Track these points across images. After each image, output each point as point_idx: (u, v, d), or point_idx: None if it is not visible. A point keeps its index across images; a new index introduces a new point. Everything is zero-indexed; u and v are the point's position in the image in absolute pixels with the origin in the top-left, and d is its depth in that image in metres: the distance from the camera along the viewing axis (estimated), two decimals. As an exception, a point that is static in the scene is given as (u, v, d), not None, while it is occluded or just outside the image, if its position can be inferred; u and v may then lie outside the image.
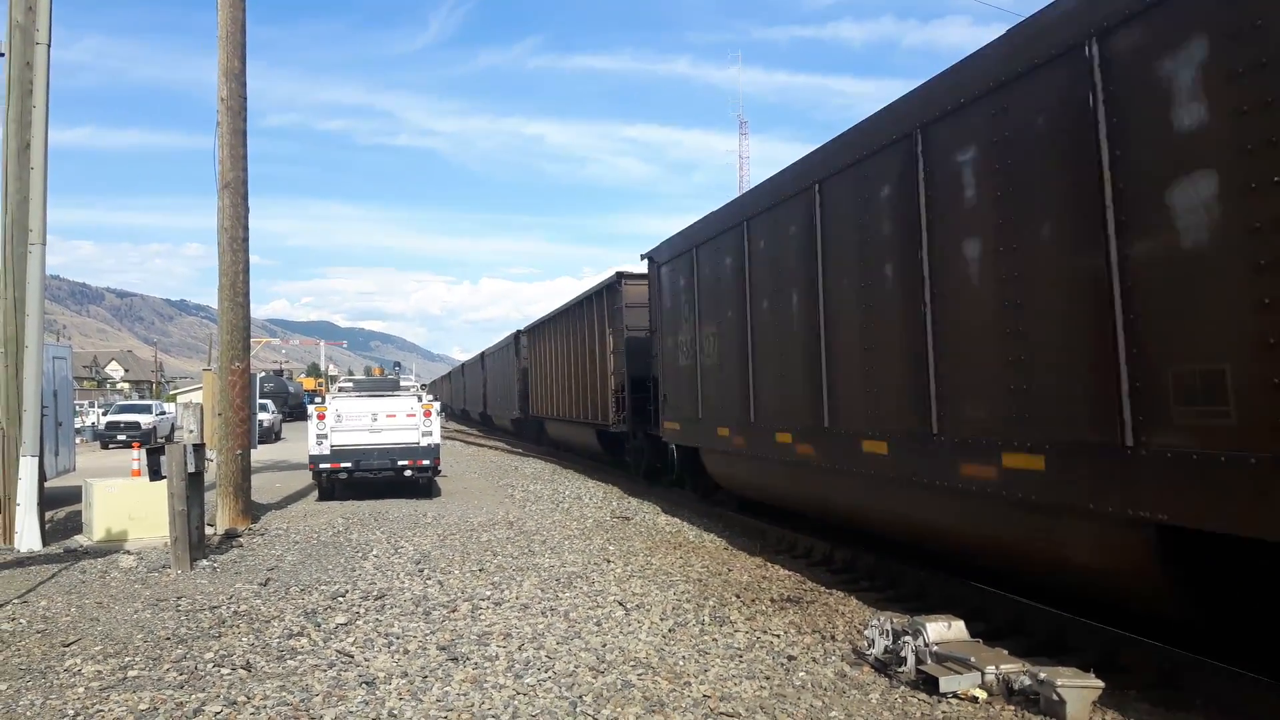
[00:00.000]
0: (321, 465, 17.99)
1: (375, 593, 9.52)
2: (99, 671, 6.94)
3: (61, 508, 16.30)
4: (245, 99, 14.63)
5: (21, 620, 8.65)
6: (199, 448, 11.81)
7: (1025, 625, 7.80)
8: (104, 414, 45.70)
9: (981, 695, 6.13)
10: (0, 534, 12.94)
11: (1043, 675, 5.92)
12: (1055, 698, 5.77)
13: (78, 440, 25.37)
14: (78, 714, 6.02)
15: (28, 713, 6.09)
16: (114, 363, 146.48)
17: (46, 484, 13.69)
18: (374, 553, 12.00)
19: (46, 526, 13.16)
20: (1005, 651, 6.70)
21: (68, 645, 7.71)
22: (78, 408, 39.44)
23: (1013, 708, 5.96)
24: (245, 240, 14.69)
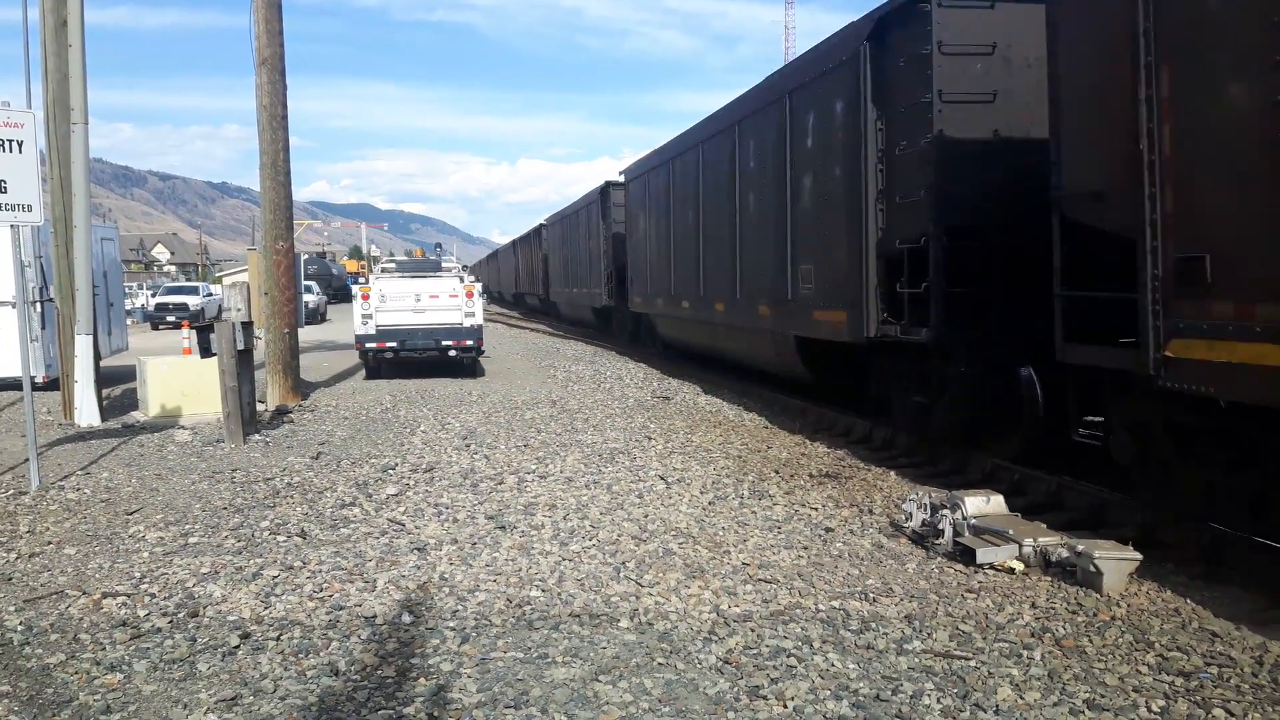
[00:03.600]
0: (368, 345, 18.24)
1: (424, 466, 9.77)
2: (161, 538, 7.24)
3: (117, 385, 16.75)
4: (279, -29, 14.34)
5: (86, 490, 9.00)
6: (247, 325, 12.02)
7: (1064, 501, 7.85)
8: (153, 295, 46.49)
9: (1019, 567, 6.22)
10: (61, 409, 13.36)
11: (1080, 547, 5.97)
12: (1093, 569, 5.84)
13: (129, 321, 25.87)
14: (143, 577, 6.30)
15: (96, 575, 6.39)
16: (160, 245, 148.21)
17: (102, 362, 14.03)
18: (421, 429, 12.26)
19: (104, 403, 13.55)
20: (1044, 525, 6.76)
21: (131, 514, 8.03)
22: (127, 290, 40.09)
23: (1049, 579, 6.04)
24: (284, 118, 14.60)
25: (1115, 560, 5.84)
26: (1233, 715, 4.22)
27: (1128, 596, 5.72)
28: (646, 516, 7.66)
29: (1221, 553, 6.37)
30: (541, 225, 39.84)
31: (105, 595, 5.91)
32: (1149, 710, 4.28)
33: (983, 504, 6.77)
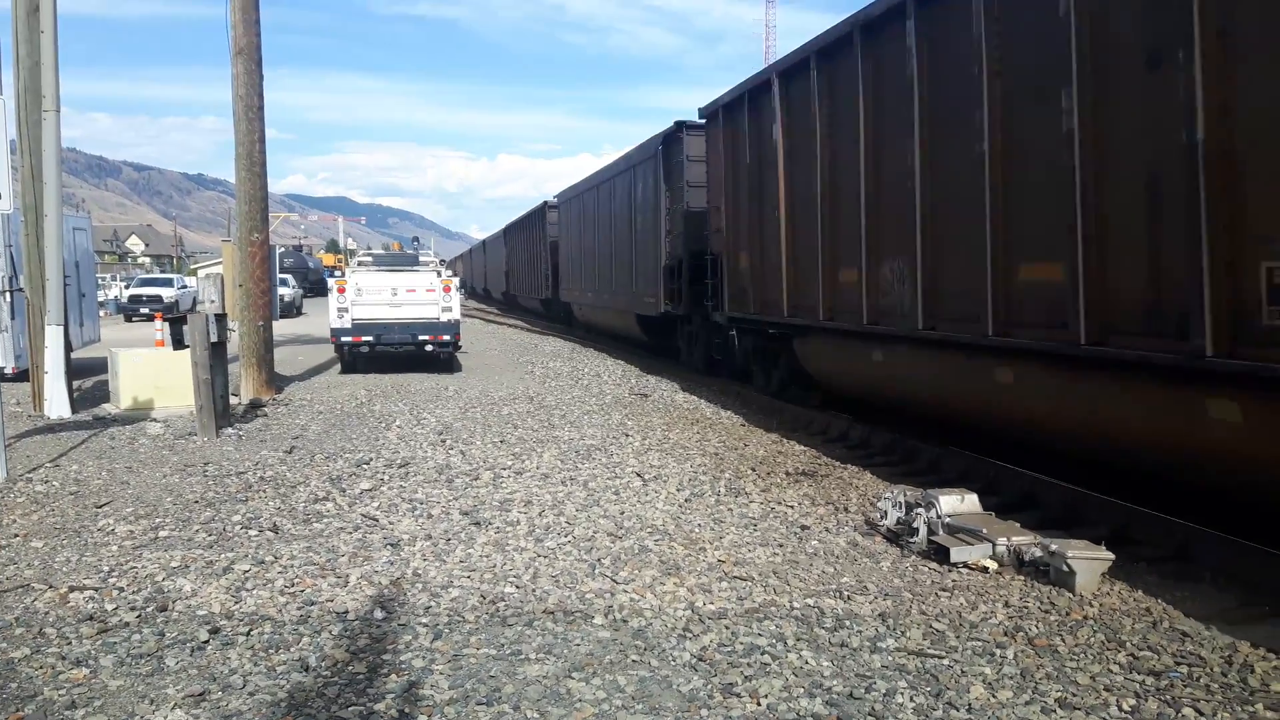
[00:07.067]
0: (343, 338, 18.11)
1: (399, 461, 9.70)
2: (131, 531, 7.15)
3: (89, 377, 16.56)
4: (256, -40, 14.21)
5: (54, 482, 8.88)
6: (221, 318, 11.90)
7: (1038, 499, 7.89)
8: (126, 287, 46.01)
9: (992, 566, 6.24)
10: (31, 401, 13.19)
11: (1054, 547, 6.00)
12: (1065, 569, 5.86)
13: (101, 313, 25.58)
14: (112, 570, 6.22)
15: (64, 568, 6.30)
16: (134, 236, 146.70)
17: (73, 354, 13.86)
18: (397, 423, 12.19)
19: (75, 395, 13.38)
20: (1017, 524, 6.79)
21: (100, 507, 7.93)
22: (100, 281, 39.63)
23: (1023, 578, 6.07)
24: (261, 109, 14.48)
25: (1088, 560, 5.87)
26: (1202, 714, 4.24)
27: (1100, 596, 5.75)
28: (623, 513, 7.64)
29: (1190, 550, 6.42)
30: (505, 230, 46.28)
31: (72, 589, 5.83)
32: (1120, 709, 4.30)
33: (957, 503, 6.79)
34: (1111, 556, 5.97)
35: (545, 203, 32.77)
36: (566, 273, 28.54)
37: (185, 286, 42.59)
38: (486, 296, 60.63)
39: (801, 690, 4.46)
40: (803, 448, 10.78)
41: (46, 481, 8.92)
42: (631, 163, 20.38)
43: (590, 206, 24.93)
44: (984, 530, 6.44)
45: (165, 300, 38.98)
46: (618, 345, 24.63)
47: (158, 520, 7.47)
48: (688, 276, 16.06)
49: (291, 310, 40.93)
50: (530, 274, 36.97)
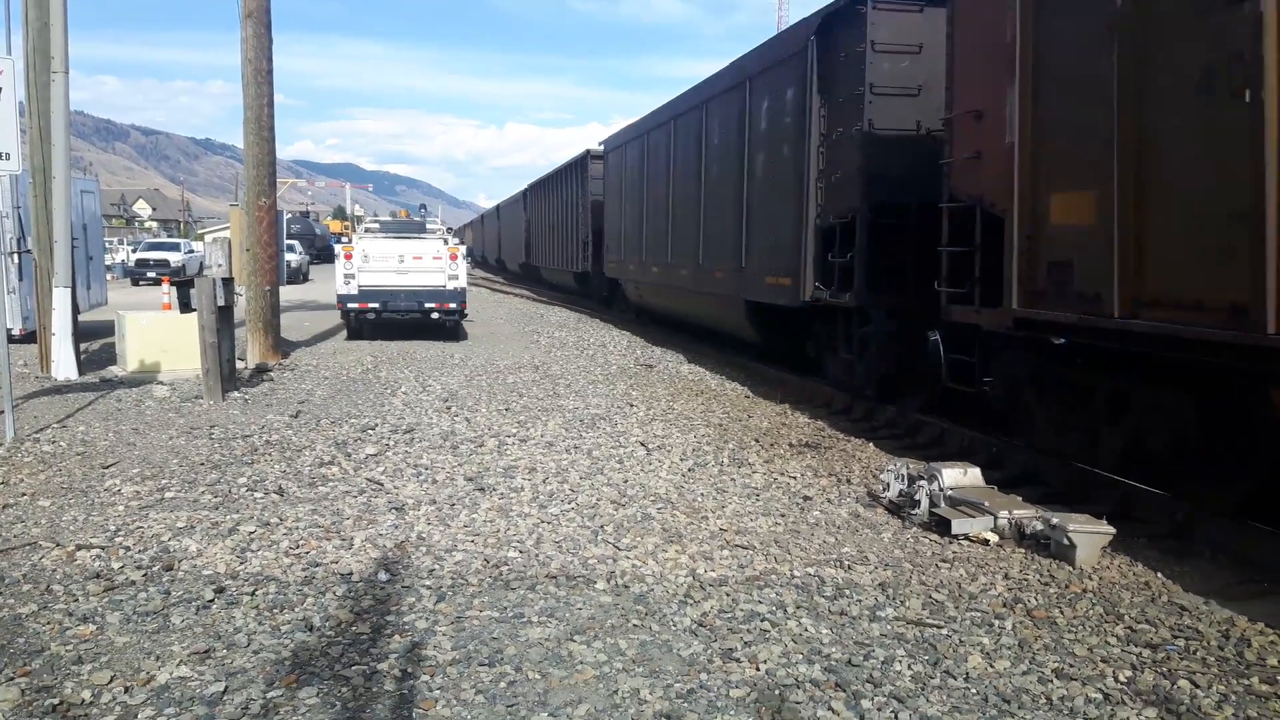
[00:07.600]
0: (349, 305, 18.13)
1: (404, 427, 9.74)
2: (137, 492, 7.20)
3: (96, 340, 16.61)
4: (265, -78, 14.10)
5: (61, 443, 8.93)
6: (228, 282, 11.92)
7: (1041, 475, 7.90)
8: (133, 251, 46.03)
9: (993, 538, 6.27)
10: (38, 362, 13.24)
11: (1055, 520, 6.03)
12: (1066, 542, 5.89)
13: (108, 276, 25.58)
14: (118, 530, 6.27)
15: (71, 527, 6.35)
16: (141, 201, 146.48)
17: (80, 317, 13.90)
18: (402, 390, 12.22)
19: (82, 357, 13.42)
20: (1020, 498, 6.81)
21: (106, 467, 7.98)
22: (107, 245, 39.60)
23: (1023, 551, 6.10)
24: (270, 73, 14.41)
25: (1088, 534, 5.90)
26: (1198, 687, 4.27)
27: (1100, 569, 5.78)
28: (626, 482, 7.68)
29: (1192, 528, 6.44)
30: (525, 191, 40.44)
31: (79, 547, 5.88)
32: (1116, 680, 4.33)
33: (960, 476, 6.81)
34: (1112, 531, 5.99)
35: (588, 151, 26.28)
36: (615, 240, 21.88)
37: (192, 251, 42.61)
38: (500, 268, 55.70)
39: (800, 657, 4.50)
40: (807, 420, 10.80)
41: (54, 442, 8.98)
42: (747, 73, 13.45)
43: (661, 150, 17.90)
44: (986, 503, 6.46)
45: (172, 264, 38.97)
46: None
47: (164, 481, 7.52)
48: (865, 243, 10.19)
49: (298, 276, 40.92)
50: (560, 242, 30.53)
